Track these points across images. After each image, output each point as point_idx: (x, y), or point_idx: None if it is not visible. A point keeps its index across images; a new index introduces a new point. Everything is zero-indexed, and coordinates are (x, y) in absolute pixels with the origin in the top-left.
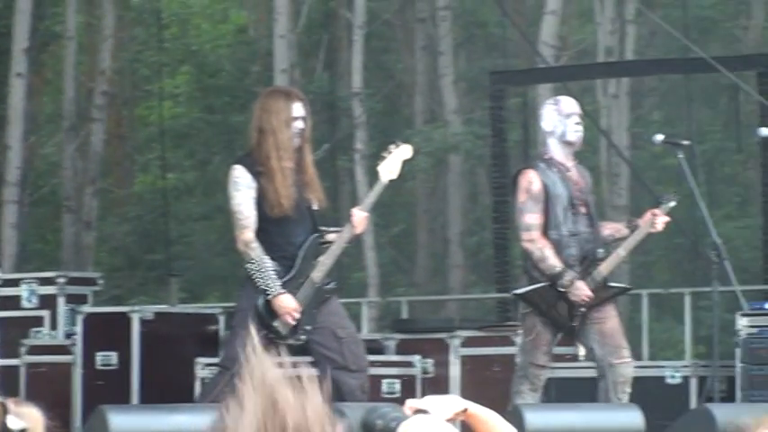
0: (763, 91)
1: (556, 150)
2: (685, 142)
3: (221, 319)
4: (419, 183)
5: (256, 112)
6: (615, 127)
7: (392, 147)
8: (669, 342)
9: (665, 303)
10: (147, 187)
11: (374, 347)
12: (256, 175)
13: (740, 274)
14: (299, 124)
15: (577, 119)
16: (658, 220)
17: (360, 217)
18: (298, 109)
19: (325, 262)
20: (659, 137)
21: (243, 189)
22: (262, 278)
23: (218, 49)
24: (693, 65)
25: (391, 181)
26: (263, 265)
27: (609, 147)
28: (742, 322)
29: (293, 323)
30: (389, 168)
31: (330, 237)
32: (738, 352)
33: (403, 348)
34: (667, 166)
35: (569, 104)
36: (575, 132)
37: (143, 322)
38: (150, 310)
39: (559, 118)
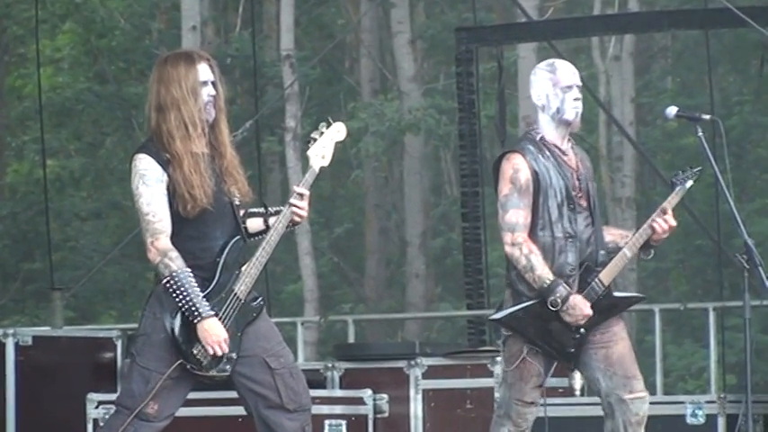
0: None
1: (548, 130)
2: (706, 116)
3: (119, 344)
4: (368, 171)
5: (152, 86)
6: (617, 98)
7: (322, 125)
8: (690, 370)
9: (684, 322)
10: (22, 178)
11: (313, 380)
12: (165, 164)
13: None
14: (210, 90)
15: (577, 92)
16: (659, 222)
17: (303, 194)
18: (205, 71)
19: (250, 272)
20: (672, 110)
21: (153, 184)
22: (185, 297)
23: (111, 1)
24: (714, 17)
25: (324, 169)
26: (187, 280)
27: (609, 123)
28: None
29: (220, 353)
30: (320, 153)
31: (272, 221)
32: None
33: (350, 381)
34: (684, 146)
35: (568, 73)
36: (573, 109)
37: (19, 348)
38: (28, 333)
39: (555, 90)
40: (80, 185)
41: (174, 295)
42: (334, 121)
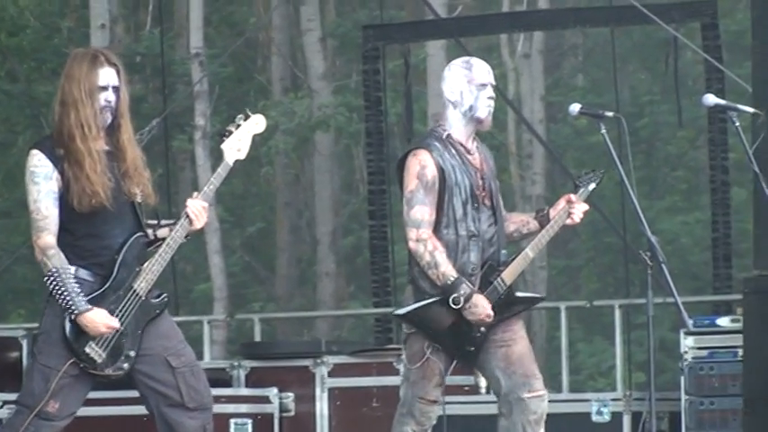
0: (709, 47)
1: (457, 127)
2: (609, 113)
3: (24, 343)
4: (279, 168)
5: (61, 79)
6: (526, 95)
7: (240, 118)
8: (600, 368)
9: (594, 320)
10: None
11: (219, 378)
12: (59, 160)
13: (689, 282)
14: (108, 96)
15: (491, 91)
16: (575, 208)
17: (197, 207)
18: (106, 76)
19: (151, 269)
20: (575, 107)
21: (41, 181)
22: (62, 294)
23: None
24: (619, 15)
25: (239, 162)
26: (64, 277)
27: (519, 121)
28: (687, 343)
29: (108, 332)
30: (236, 146)
31: (161, 232)
32: (683, 380)
33: (256, 379)
34: (593, 144)
35: (483, 71)
36: (486, 107)
37: None
38: None
39: (470, 87)
40: None
41: (53, 292)
42: (253, 114)
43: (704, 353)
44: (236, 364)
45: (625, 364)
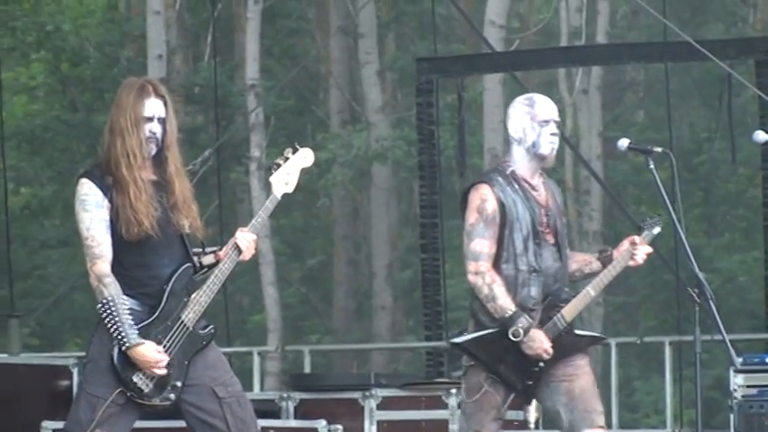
0: (763, 84)
1: (521, 163)
2: (658, 149)
3: (75, 372)
4: (336, 201)
5: (112, 107)
6: (584, 131)
7: (288, 151)
8: (657, 406)
9: (652, 357)
10: None
11: (268, 410)
12: (108, 188)
13: (747, 320)
14: (153, 127)
15: (554, 128)
16: (638, 250)
17: (246, 239)
18: (152, 107)
19: (199, 300)
20: (624, 142)
21: (92, 209)
22: (114, 323)
23: (82, 30)
24: (673, 51)
25: (295, 195)
26: (118, 307)
27: (576, 157)
28: (737, 381)
29: (161, 374)
30: (284, 179)
31: (206, 259)
32: (732, 418)
33: (305, 411)
34: (652, 181)
35: (547, 108)
36: (549, 144)
37: None
38: None
39: (532, 124)
40: (50, 213)
41: (106, 321)
42: (301, 147)
43: (754, 391)
44: (285, 395)
45: (676, 401)
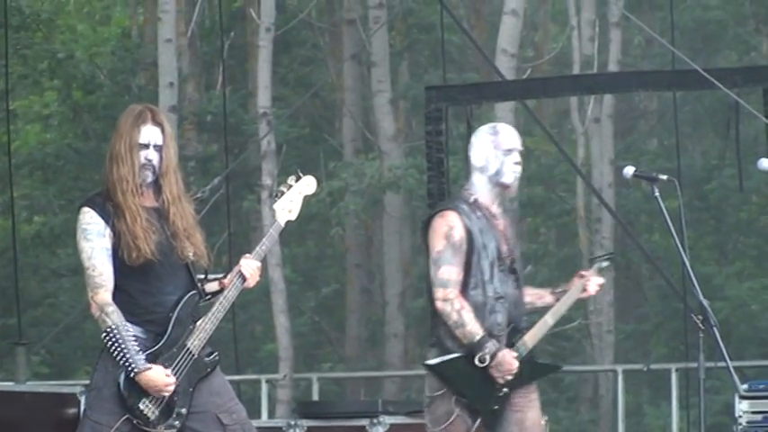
0: None
1: (483, 191)
2: (663, 177)
3: (83, 400)
4: (349, 230)
5: (113, 133)
6: (596, 159)
7: (291, 178)
8: (665, 431)
9: (663, 384)
10: (4, 234)
11: None
12: (109, 216)
13: (757, 347)
14: (149, 154)
15: (518, 157)
16: (591, 281)
17: (251, 266)
18: (148, 134)
19: (204, 327)
20: (630, 170)
21: (93, 238)
22: (120, 351)
23: (95, 57)
24: (681, 79)
25: (291, 223)
26: (123, 334)
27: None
28: (741, 407)
29: (167, 395)
30: (287, 207)
31: (210, 286)
32: None
33: None
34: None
35: (510, 137)
36: (512, 173)
37: None
38: None
39: (496, 152)
40: (61, 242)
41: (111, 350)
42: (305, 175)
43: (759, 417)
44: (292, 422)
45: (683, 426)
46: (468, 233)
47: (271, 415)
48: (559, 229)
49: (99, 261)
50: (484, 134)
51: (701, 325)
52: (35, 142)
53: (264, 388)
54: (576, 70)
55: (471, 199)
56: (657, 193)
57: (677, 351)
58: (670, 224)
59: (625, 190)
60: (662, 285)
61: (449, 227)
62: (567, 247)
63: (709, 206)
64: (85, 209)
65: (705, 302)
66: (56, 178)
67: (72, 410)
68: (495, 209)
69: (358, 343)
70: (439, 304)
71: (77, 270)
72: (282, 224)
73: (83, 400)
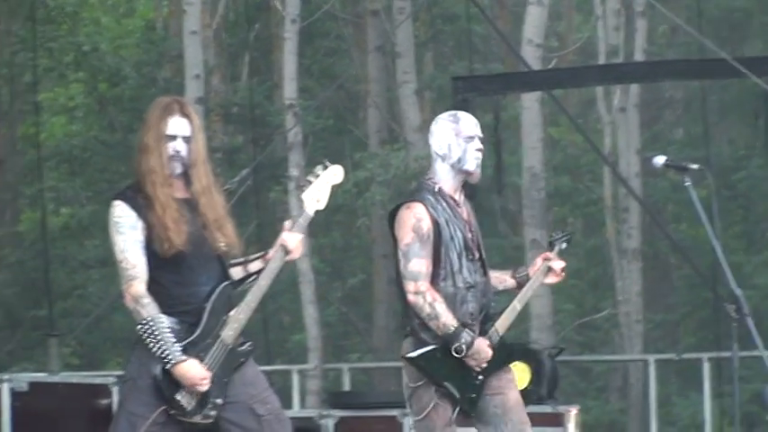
0: None
1: (446, 179)
2: (694, 166)
3: (115, 390)
4: (375, 220)
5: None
6: (623, 149)
7: (318, 168)
8: (697, 421)
9: (693, 374)
10: (33, 226)
11: (307, 427)
12: (141, 208)
13: None
14: (177, 146)
15: (479, 144)
16: (554, 265)
17: (293, 239)
18: (176, 125)
19: (237, 317)
20: (660, 159)
21: (126, 231)
22: (156, 342)
23: (120, 50)
24: (709, 68)
25: (319, 212)
26: (158, 326)
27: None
28: None
29: (203, 390)
30: (315, 196)
31: (253, 266)
32: None
33: (344, 429)
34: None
35: (471, 124)
36: (474, 160)
37: (15, 394)
38: (24, 379)
39: (457, 140)
40: (89, 233)
41: (147, 341)
42: (332, 165)
43: None
44: (324, 413)
45: (715, 416)
46: (436, 225)
47: (300, 405)
48: (586, 218)
49: (132, 253)
50: (444, 122)
51: (734, 314)
52: (61, 134)
53: (296, 378)
54: (601, 60)
55: (436, 188)
56: (689, 183)
57: (705, 341)
58: (701, 213)
59: (652, 180)
60: (690, 275)
61: (416, 219)
62: (594, 237)
63: (737, 195)
64: (117, 202)
65: (738, 292)
66: (82, 170)
67: (105, 401)
68: (458, 196)
69: (386, 333)
70: (411, 297)
71: (106, 261)
72: (312, 213)
73: (115, 390)
